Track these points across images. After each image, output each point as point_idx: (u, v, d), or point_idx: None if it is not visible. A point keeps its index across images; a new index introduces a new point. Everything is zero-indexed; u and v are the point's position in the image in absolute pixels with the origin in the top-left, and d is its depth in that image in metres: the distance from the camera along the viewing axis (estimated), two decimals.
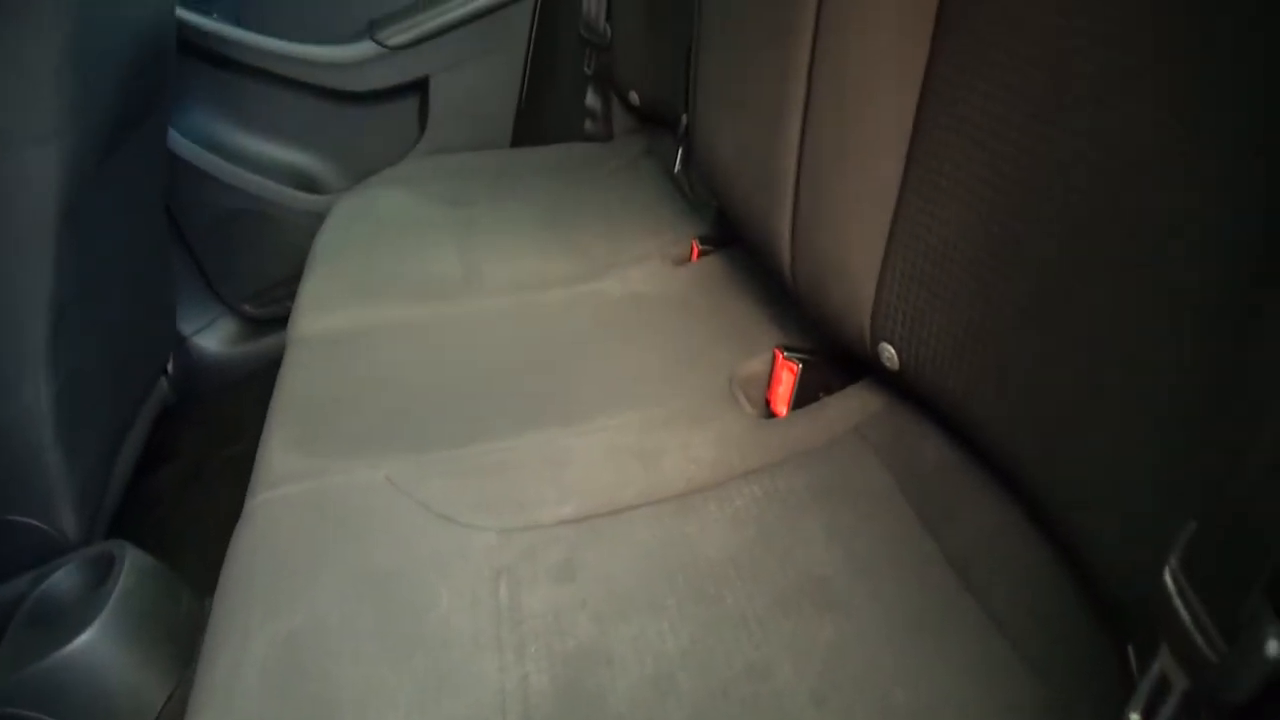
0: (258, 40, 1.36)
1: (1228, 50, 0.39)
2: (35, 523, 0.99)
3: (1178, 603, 0.33)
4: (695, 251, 1.05)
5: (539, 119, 1.52)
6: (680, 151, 1.11)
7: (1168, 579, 0.34)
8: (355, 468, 0.77)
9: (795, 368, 0.79)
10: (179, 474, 1.48)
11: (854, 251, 0.68)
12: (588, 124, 1.47)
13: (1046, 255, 0.52)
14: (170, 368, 1.40)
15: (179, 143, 1.36)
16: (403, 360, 0.92)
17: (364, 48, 1.40)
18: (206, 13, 1.34)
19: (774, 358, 0.83)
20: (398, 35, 1.40)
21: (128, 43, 1.01)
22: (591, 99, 1.45)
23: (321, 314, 1.01)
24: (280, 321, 1.54)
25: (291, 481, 0.76)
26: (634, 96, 1.36)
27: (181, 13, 1.28)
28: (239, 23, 1.37)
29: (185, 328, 1.51)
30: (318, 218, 1.41)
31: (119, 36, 0.98)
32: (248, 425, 1.52)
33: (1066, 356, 0.51)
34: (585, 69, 1.44)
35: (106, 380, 1.11)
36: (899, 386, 0.73)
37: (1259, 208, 0.38)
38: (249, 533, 0.72)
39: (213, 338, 1.54)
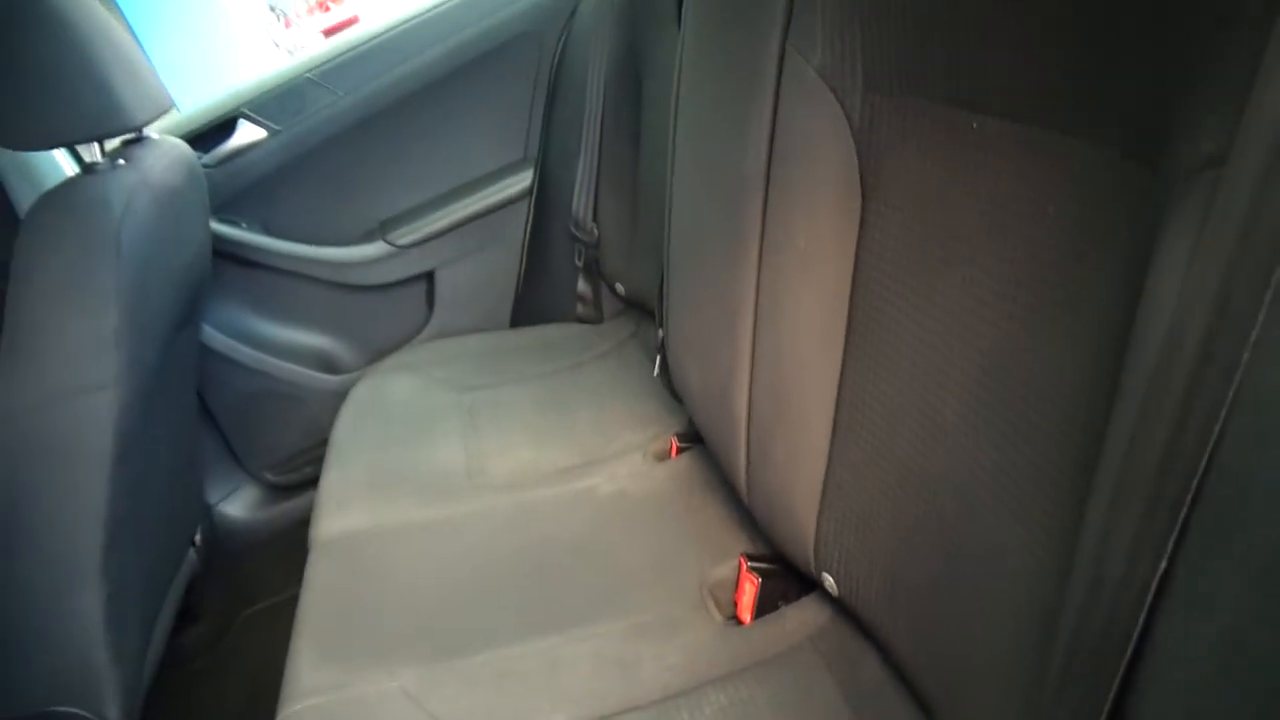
0: (281, 246, 1.52)
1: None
2: (81, 712, 1.09)
3: None
4: (674, 448, 1.18)
5: (535, 302, 1.67)
6: (659, 358, 1.25)
7: None
8: (373, 679, 0.88)
9: (756, 581, 0.90)
10: (206, 633, 1.58)
11: (796, 498, 0.81)
12: (579, 307, 1.61)
13: (945, 537, 0.64)
14: (198, 538, 1.51)
15: (210, 335, 1.51)
16: (414, 564, 1.03)
17: (376, 248, 1.56)
18: (235, 223, 1.50)
19: (739, 566, 0.94)
20: (406, 235, 1.56)
21: (176, 286, 1.15)
22: (582, 286, 1.60)
23: (340, 515, 1.13)
24: (299, 487, 1.67)
25: (317, 694, 0.87)
26: (620, 287, 1.51)
27: (214, 225, 1.44)
28: (265, 230, 1.53)
29: (211, 496, 1.63)
30: (335, 395, 1.55)
31: (169, 284, 1.13)
32: (269, 584, 1.64)
33: (966, 625, 0.62)
34: (576, 261, 1.59)
35: (147, 572, 1.23)
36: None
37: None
38: None
39: (237, 504, 1.65)
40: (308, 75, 1.50)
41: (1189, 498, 0.35)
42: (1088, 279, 0.47)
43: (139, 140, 1.18)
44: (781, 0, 0.73)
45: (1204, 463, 0.35)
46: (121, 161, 1.08)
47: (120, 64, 1.04)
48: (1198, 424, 0.35)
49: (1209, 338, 0.34)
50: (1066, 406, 0.49)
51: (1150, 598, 0.38)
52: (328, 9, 7.09)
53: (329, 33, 6.42)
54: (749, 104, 0.79)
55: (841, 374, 0.74)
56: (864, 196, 0.68)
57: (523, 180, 1.60)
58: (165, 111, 1.13)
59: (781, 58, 0.74)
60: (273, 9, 6.74)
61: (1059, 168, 0.49)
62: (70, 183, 1.03)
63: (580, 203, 1.52)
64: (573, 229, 1.56)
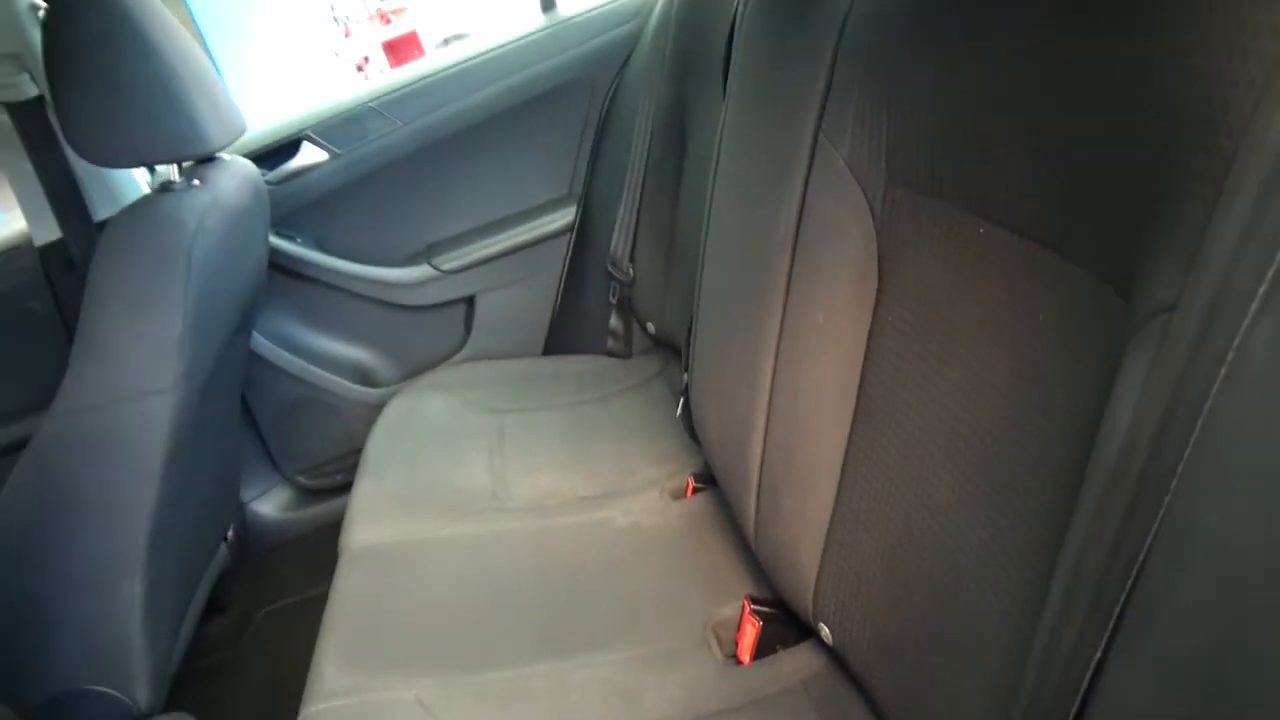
0: (332, 262, 1.60)
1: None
2: (114, 693, 1.16)
3: None
4: (690, 488, 1.23)
5: (568, 333, 1.74)
6: (682, 400, 1.30)
7: None
8: (391, 686, 0.94)
9: (758, 624, 0.95)
10: (230, 625, 1.65)
11: (800, 550, 0.86)
12: (610, 341, 1.68)
13: (931, 602, 0.69)
14: (230, 534, 1.58)
15: (258, 341, 1.59)
16: (437, 579, 1.10)
17: (421, 270, 1.64)
18: (292, 238, 1.58)
19: (743, 608, 0.99)
20: (450, 261, 1.64)
21: (236, 297, 1.23)
22: (614, 322, 1.67)
23: (370, 526, 1.20)
24: (328, 491, 1.74)
25: (338, 697, 0.93)
26: (650, 326, 1.57)
27: (272, 239, 1.52)
28: (319, 246, 1.62)
29: (245, 494, 1.71)
30: (371, 407, 1.62)
31: (230, 296, 1.21)
32: (293, 582, 1.71)
33: (945, 685, 0.67)
34: (610, 298, 1.66)
35: (183, 564, 1.30)
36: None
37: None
38: None
39: (268, 504, 1.73)
40: (370, 104, 1.58)
41: (1124, 597, 0.41)
42: (1067, 385, 0.53)
43: (212, 160, 1.26)
44: (817, 91, 0.79)
45: (1136, 569, 0.40)
46: (196, 182, 1.16)
47: (203, 92, 1.12)
48: (1134, 536, 0.40)
49: (1147, 464, 0.39)
50: (1043, 495, 0.55)
51: (1087, 680, 0.43)
52: (389, 21, 7.28)
53: (388, 45, 6.59)
54: (781, 180, 0.85)
55: (849, 442, 0.79)
56: (880, 280, 0.74)
57: (565, 216, 1.68)
58: (239, 136, 1.21)
59: (814, 144, 0.80)
60: (336, 20, 6.91)
61: (1049, 281, 0.55)
62: (149, 200, 1.11)
63: (619, 243, 1.59)
64: (609, 267, 1.63)
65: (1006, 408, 0.59)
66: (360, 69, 7.19)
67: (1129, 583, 0.41)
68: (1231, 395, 0.36)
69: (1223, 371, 0.36)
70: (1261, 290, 0.35)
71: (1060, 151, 0.52)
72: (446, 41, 6.91)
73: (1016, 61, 0.56)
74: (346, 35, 7.24)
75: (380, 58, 6.92)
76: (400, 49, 6.54)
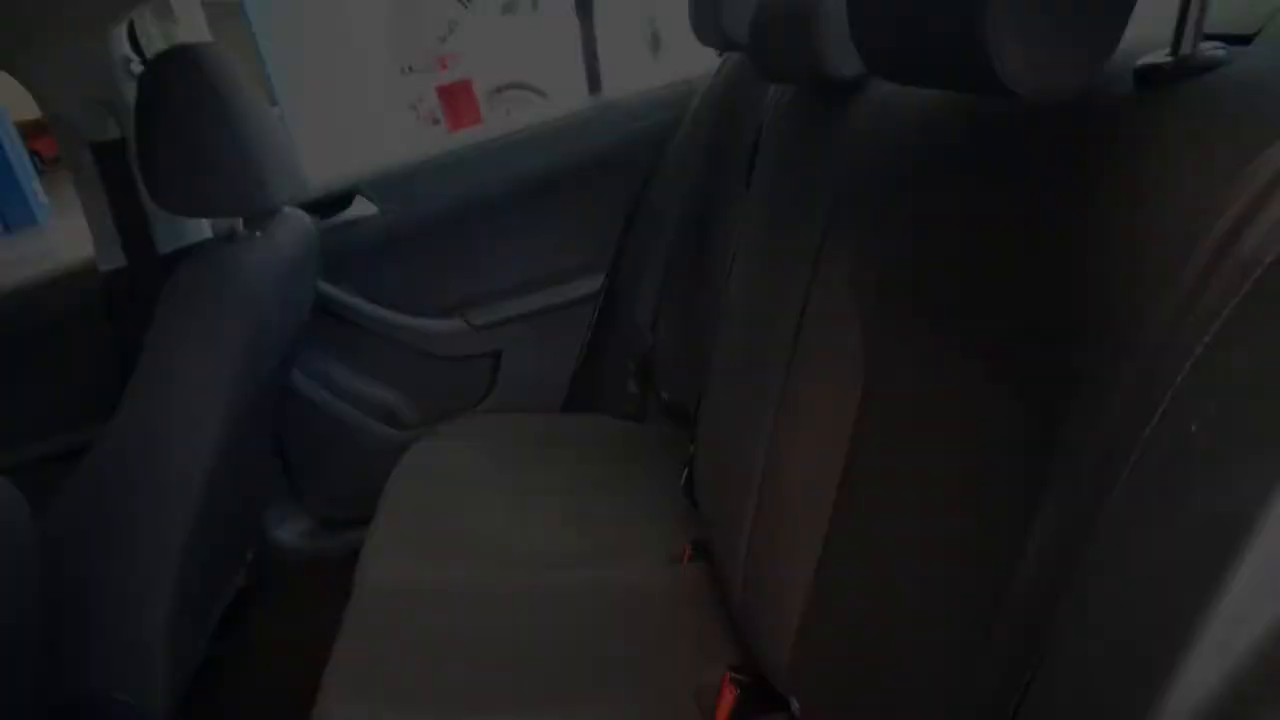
0: (372, 309, 1.71)
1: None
2: (131, 700, 1.24)
3: None
4: (688, 554, 1.30)
5: (587, 393, 1.83)
6: (686, 470, 1.38)
7: None
8: None
9: (735, 692, 1.02)
10: (237, 645, 1.72)
11: (778, 625, 0.93)
12: (626, 405, 1.76)
13: (889, 688, 0.75)
14: (249, 556, 1.66)
15: (295, 377, 1.68)
16: (441, 624, 1.17)
17: (453, 323, 1.74)
18: (336, 283, 1.69)
19: (724, 675, 1.06)
20: (482, 317, 1.74)
21: (282, 340, 1.33)
22: (631, 385, 1.75)
23: (385, 566, 1.28)
24: (345, 524, 1.82)
25: None
26: (665, 394, 1.65)
27: (318, 283, 1.62)
28: (360, 293, 1.72)
29: (266, 519, 1.79)
30: (394, 447, 1.70)
31: (278, 339, 1.30)
32: (302, 608, 1.78)
33: None
34: (629, 363, 1.75)
35: (208, 582, 1.38)
36: None
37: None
38: None
39: (288, 531, 1.81)
40: (420, 167, 1.69)
41: (1015, 706, 0.48)
42: (1006, 506, 0.60)
43: (273, 213, 1.37)
44: (823, 212, 0.88)
45: (1028, 681, 0.47)
46: (258, 234, 1.27)
47: (273, 154, 1.23)
48: (1028, 658, 0.48)
49: (1046, 598, 0.47)
50: (981, 604, 0.62)
51: None
52: (445, 67, 7.55)
53: (442, 90, 6.82)
54: (788, 285, 0.94)
55: (827, 534, 0.86)
56: (865, 386, 0.82)
57: (593, 284, 1.78)
58: (301, 193, 1.32)
59: (817, 258, 0.88)
60: (402, 71, 7.20)
61: (1001, 410, 0.62)
62: (213, 247, 1.21)
63: (641, 313, 1.69)
64: (630, 334, 1.72)
65: (958, 517, 0.66)
66: (414, 107, 7.47)
67: (1019, 696, 0.48)
68: (1099, 549, 0.43)
69: (1096, 527, 0.43)
70: (1132, 458, 0.42)
71: (1012, 299, 0.60)
72: (499, 90, 7.18)
73: (980, 213, 0.64)
74: (401, 74, 7.54)
75: (432, 99, 7.20)
76: (454, 94, 6.80)
